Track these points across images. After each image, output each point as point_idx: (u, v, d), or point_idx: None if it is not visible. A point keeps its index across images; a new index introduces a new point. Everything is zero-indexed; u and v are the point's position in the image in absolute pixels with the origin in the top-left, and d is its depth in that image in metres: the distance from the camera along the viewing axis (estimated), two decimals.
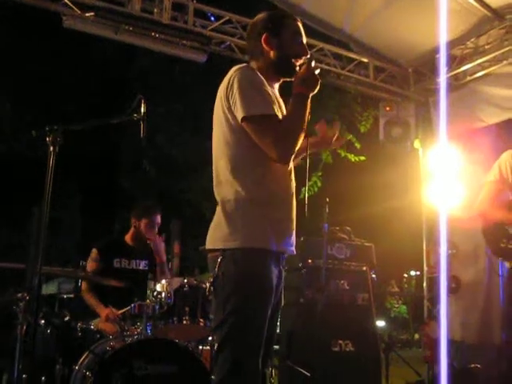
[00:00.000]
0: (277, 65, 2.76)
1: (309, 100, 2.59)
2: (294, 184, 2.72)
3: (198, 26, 6.53)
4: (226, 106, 2.58)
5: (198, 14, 6.55)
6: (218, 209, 2.61)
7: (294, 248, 2.73)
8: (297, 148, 2.53)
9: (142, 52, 7.55)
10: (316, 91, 2.62)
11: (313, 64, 2.64)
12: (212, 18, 6.67)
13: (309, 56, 2.72)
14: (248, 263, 2.49)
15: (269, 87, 2.64)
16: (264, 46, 2.76)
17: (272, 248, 2.54)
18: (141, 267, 5.06)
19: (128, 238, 5.14)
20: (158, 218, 5.10)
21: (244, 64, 2.69)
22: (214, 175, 2.66)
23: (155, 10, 6.23)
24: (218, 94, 2.65)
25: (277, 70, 2.77)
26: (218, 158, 2.64)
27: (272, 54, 2.76)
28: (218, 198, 2.62)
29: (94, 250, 4.96)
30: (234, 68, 2.65)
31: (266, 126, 2.50)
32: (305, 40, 2.84)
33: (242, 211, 2.53)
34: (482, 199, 3.95)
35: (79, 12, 5.88)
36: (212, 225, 2.62)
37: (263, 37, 2.76)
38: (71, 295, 5.43)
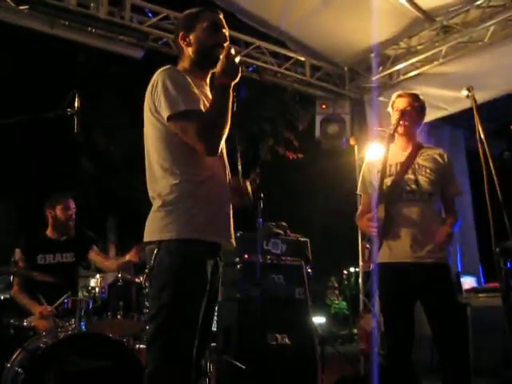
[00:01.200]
0: (196, 59, 2.79)
1: (231, 89, 2.59)
2: (227, 178, 2.76)
3: (135, 21, 6.48)
4: (153, 109, 2.62)
5: (135, 10, 6.50)
6: (154, 204, 2.63)
7: (232, 241, 2.77)
8: (222, 138, 2.58)
9: (78, 47, 7.42)
10: (237, 79, 2.63)
11: (232, 52, 2.64)
12: (149, 14, 6.62)
13: (226, 44, 2.73)
14: (182, 254, 2.53)
15: (194, 85, 2.67)
16: (181, 44, 2.82)
17: (206, 239, 2.58)
18: (67, 260, 4.94)
19: (49, 231, 5.03)
20: (72, 203, 5.04)
21: (167, 66, 2.70)
22: (147, 172, 2.70)
23: (92, 5, 6.15)
24: (146, 96, 2.69)
25: (198, 65, 2.81)
26: (150, 155, 2.68)
27: (190, 50, 2.80)
28: (153, 194, 2.66)
29: (18, 250, 4.85)
30: (158, 71, 2.68)
31: (188, 121, 2.53)
32: (226, 30, 2.86)
33: (177, 204, 2.56)
34: (357, 212, 4.10)
35: (13, 4, 5.77)
36: (148, 219, 2.65)
37: (179, 36, 2.83)
38: (7, 295, 5.31)
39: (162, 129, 2.62)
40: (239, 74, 2.63)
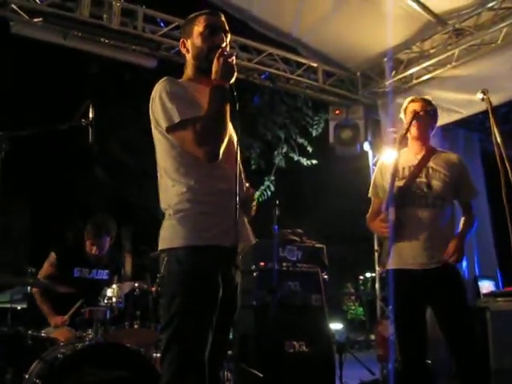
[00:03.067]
0: (196, 64, 2.76)
1: (225, 91, 2.56)
2: (233, 182, 2.61)
3: (148, 31, 6.52)
4: (155, 123, 2.64)
5: (147, 20, 6.54)
6: (165, 214, 2.64)
7: (250, 239, 2.78)
8: (222, 142, 2.53)
9: (92, 57, 7.47)
10: (233, 79, 2.59)
11: (226, 52, 2.61)
12: (161, 24, 6.65)
13: (223, 45, 2.69)
14: (190, 262, 2.50)
15: (198, 92, 2.65)
16: (182, 51, 2.82)
17: (213, 243, 2.54)
18: (102, 277, 4.96)
19: (84, 245, 5.04)
20: (107, 240, 4.99)
21: (164, 78, 2.68)
22: (158, 184, 2.71)
23: (104, 16, 6.19)
24: (150, 111, 2.69)
25: (200, 70, 2.75)
26: (160, 167, 2.69)
27: (189, 56, 2.78)
28: (164, 204, 2.66)
29: (53, 254, 4.86)
30: (156, 84, 2.68)
31: (184, 130, 2.51)
32: (226, 32, 2.78)
33: (185, 212, 2.55)
34: (368, 215, 4.08)
35: (27, 17, 5.82)
36: (160, 228, 2.65)
37: (180, 43, 2.83)
38: (24, 305, 5.34)
39: (166, 141, 2.62)
40: (234, 75, 2.59)
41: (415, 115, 3.87)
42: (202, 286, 2.51)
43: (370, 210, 4.11)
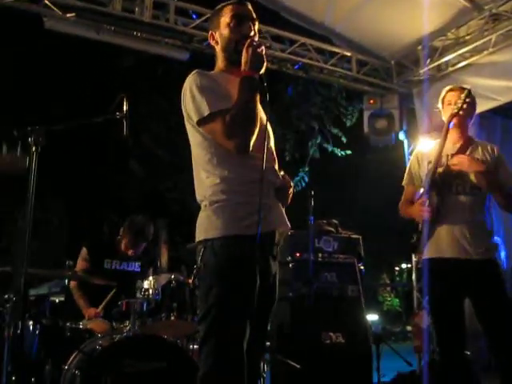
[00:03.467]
0: (226, 56, 2.71)
1: (255, 81, 2.51)
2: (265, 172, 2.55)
3: (180, 24, 6.53)
4: (186, 117, 2.64)
5: (179, 12, 6.55)
6: (201, 206, 2.62)
7: (285, 225, 2.72)
8: (252, 133, 2.49)
9: (125, 51, 7.52)
10: (263, 69, 2.54)
11: (254, 42, 2.55)
12: (193, 16, 6.65)
13: (251, 34, 2.64)
14: (227, 252, 2.48)
15: (230, 83, 2.60)
16: (211, 43, 2.78)
17: (248, 233, 2.47)
18: (133, 269, 5.02)
19: (118, 240, 5.09)
20: (142, 246, 5.04)
21: (194, 71, 2.65)
22: (194, 177, 2.69)
23: (136, 9, 6.23)
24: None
25: (231, 61, 2.70)
26: (194, 160, 2.68)
27: (218, 48, 2.74)
28: (200, 197, 2.64)
29: (84, 249, 4.94)
30: (187, 78, 2.66)
31: (214, 123, 2.50)
32: (253, 20, 2.72)
33: (219, 203, 2.53)
34: (400, 203, 4.03)
35: (60, 13, 5.87)
36: (197, 221, 2.63)
37: (209, 36, 2.79)
38: (62, 298, 5.41)
39: (198, 134, 2.61)
40: (264, 65, 2.54)
41: (453, 115, 3.81)
42: (239, 276, 2.47)
43: (402, 198, 4.06)
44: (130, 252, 4.94)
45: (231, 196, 2.54)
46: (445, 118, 3.90)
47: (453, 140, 3.89)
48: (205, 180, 2.60)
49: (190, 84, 2.59)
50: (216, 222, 2.52)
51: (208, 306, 2.47)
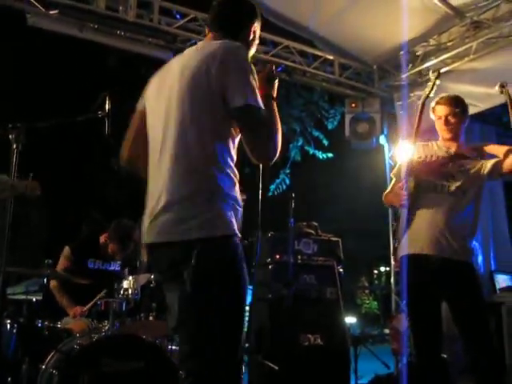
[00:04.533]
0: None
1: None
2: None
3: (164, 23, 6.51)
4: (217, 84, 2.27)
5: (163, 12, 6.53)
6: (185, 197, 2.27)
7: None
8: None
9: (109, 50, 7.49)
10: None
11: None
12: (177, 16, 6.65)
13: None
14: (230, 252, 2.28)
15: None
16: (251, 35, 2.63)
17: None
18: (114, 268, 5.05)
19: (102, 240, 5.08)
20: (128, 249, 5.06)
21: (238, 43, 2.41)
22: (180, 161, 2.31)
23: (120, 8, 6.19)
24: (202, 66, 2.31)
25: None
26: (193, 144, 2.29)
27: (252, 44, 2.66)
28: (188, 186, 2.28)
29: (67, 248, 4.92)
30: (227, 43, 2.39)
31: (263, 122, 2.30)
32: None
33: (218, 201, 2.27)
34: (385, 192, 4.08)
35: (43, 10, 5.83)
36: (176, 216, 2.27)
37: (253, 27, 2.64)
38: (40, 297, 5.37)
39: (219, 114, 2.30)
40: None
41: (445, 123, 3.88)
42: (242, 277, 2.32)
43: (389, 189, 4.08)
44: (116, 255, 4.97)
45: (228, 197, 2.32)
46: (439, 131, 3.96)
47: (445, 146, 3.93)
48: (208, 169, 2.29)
49: (242, 58, 2.32)
50: (218, 221, 2.27)
51: (217, 312, 2.23)
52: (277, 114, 2.39)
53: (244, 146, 2.34)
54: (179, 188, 2.29)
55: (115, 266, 5.04)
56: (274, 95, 2.46)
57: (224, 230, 2.26)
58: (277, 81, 2.53)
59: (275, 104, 2.42)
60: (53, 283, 4.80)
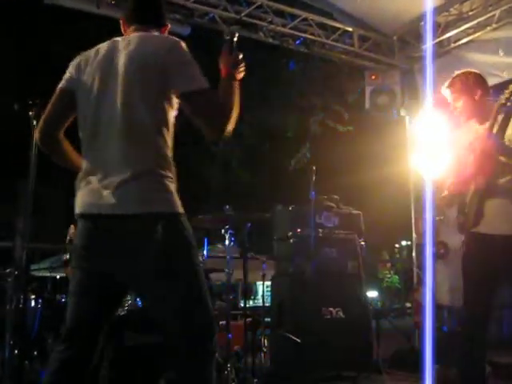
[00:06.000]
0: None
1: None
2: None
3: None
4: (164, 71, 2.46)
5: None
6: (145, 172, 2.41)
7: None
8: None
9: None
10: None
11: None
12: None
13: None
14: (189, 229, 2.45)
15: None
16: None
17: None
18: None
19: None
20: None
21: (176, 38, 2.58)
22: (128, 134, 2.44)
23: None
24: (150, 56, 2.49)
25: None
26: (140, 118, 2.43)
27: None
28: (145, 161, 2.42)
29: (72, 227, 4.90)
30: (171, 38, 2.58)
31: (215, 101, 2.48)
32: None
33: (169, 178, 2.46)
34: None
35: None
36: (137, 189, 2.39)
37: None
38: (64, 274, 5.41)
39: (166, 95, 2.49)
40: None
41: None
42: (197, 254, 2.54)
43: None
44: None
45: (171, 174, 2.49)
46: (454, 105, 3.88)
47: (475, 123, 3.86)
48: (159, 145, 2.46)
49: (187, 50, 2.50)
50: (174, 197, 2.45)
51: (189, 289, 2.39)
52: (235, 92, 2.53)
53: (197, 123, 2.47)
54: (136, 163, 2.41)
55: None
56: (237, 76, 2.58)
57: (180, 208, 2.43)
58: (242, 64, 2.62)
59: (236, 83, 2.56)
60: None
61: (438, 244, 6.38)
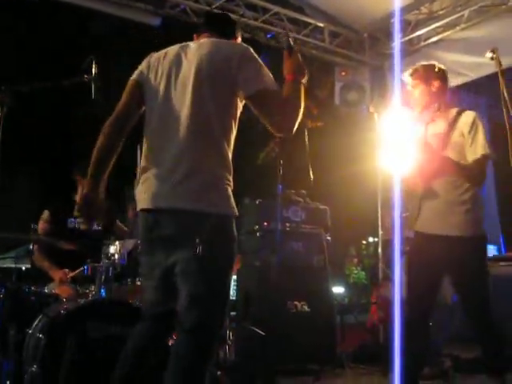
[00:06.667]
0: None
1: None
2: None
3: None
4: (233, 75, 2.60)
5: None
6: (207, 170, 2.57)
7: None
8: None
9: (95, 16, 7.39)
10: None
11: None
12: None
13: None
14: (234, 232, 2.65)
15: None
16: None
17: None
18: (94, 227, 4.96)
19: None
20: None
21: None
22: (194, 132, 2.57)
23: None
24: (221, 59, 2.64)
25: None
26: (208, 118, 2.58)
27: None
28: (209, 160, 2.57)
29: (46, 212, 4.86)
30: (241, 43, 2.83)
31: (282, 102, 2.62)
32: None
33: (228, 180, 2.63)
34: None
35: None
36: (199, 187, 2.54)
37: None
38: (28, 265, 5.36)
39: (235, 105, 2.67)
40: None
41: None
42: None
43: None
44: None
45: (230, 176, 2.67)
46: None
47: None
48: (223, 147, 2.62)
49: (253, 53, 2.67)
50: (229, 200, 2.64)
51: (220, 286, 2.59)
52: (300, 95, 2.64)
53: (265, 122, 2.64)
54: (198, 161, 2.54)
55: (95, 225, 4.96)
56: (302, 80, 2.72)
57: (231, 210, 2.63)
58: (304, 67, 2.77)
59: (301, 86, 2.69)
60: (34, 247, 4.73)
61: (404, 240, 6.44)
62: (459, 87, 7.39)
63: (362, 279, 23.94)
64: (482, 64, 6.26)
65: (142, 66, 2.80)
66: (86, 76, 3.61)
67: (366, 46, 7.83)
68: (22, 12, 9.51)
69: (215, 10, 6.23)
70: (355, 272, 24.31)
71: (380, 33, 7.69)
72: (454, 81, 6.95)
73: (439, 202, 3.69)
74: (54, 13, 8.54)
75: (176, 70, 2.67)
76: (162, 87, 2.67)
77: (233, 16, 6.74)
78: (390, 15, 7.23)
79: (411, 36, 7.30)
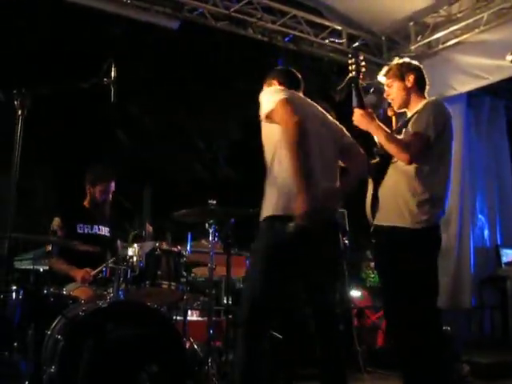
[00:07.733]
0: None
1: None
2: None
3: None
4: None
5: None
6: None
7: None
8: None
9: (114, 19, 7.43)
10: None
11: None
12: None
13: None
14: (273, 230, 3.19)
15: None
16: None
17: None
18: (103, 233, 4.98)
19: (86, 203, 5.04)
20: (113, 185, 5.00)
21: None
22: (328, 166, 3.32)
23: None
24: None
25: None
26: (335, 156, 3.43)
27: None
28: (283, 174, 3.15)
29: (57, 219, 4.85)
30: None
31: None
32: None
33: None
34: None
35: None
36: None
37: None
38: (46, 267, 5.39)
39: None
40: None
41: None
42: None
43: None
44: (99, 195, 4.94)
45: None
46: None
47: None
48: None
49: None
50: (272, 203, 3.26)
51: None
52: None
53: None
54: None
55: (105, 232, 4.99)
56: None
57: (274, 211, 3.22)
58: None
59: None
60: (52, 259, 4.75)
61: None
62: (478, 90, 7.34)
63: (379, 283, 23.87)
64: (501, 67, 6.22)
65: (298, 102, 3.42)
66: (105, 79, 3.62)
67: (383, 49, 7.79)
68: (43, 15, 9.58)
69: None
70: (372, 276, 24.25)
71: (398, 35, 7.65)
72: (472, 84, 6.94)
73: None
74: (73, 16, 8.57)
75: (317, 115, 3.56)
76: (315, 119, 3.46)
77: (250, 20, 6.88)
78: (409, 18, 7.21)
79: (429, 39, 7.26)
